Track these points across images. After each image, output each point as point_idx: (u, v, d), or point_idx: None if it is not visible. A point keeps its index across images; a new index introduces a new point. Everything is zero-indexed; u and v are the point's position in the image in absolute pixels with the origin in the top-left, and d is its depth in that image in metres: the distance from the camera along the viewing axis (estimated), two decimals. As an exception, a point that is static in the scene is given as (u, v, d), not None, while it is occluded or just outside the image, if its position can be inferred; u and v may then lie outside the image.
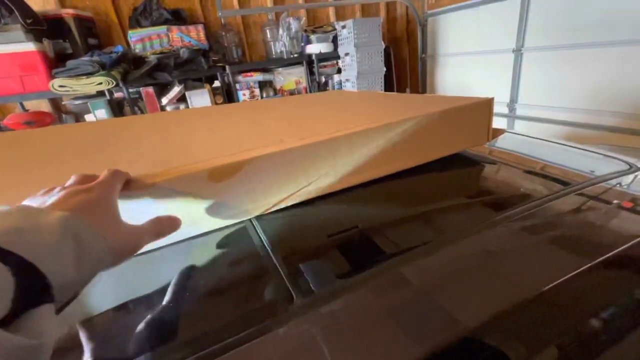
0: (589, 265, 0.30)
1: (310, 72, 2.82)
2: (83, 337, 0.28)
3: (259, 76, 2.64)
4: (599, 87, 1.83)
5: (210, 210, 0.40)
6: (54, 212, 0.21)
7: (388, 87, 2.93)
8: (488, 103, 0.58)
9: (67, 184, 0.27)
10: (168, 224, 0.31)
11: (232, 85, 2.54)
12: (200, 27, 2.42)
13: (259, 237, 0.41)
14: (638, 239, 0.33)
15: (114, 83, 1.99)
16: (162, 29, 2.30)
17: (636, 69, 1.65)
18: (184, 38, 2.37)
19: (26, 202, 0.25)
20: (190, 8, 2.60)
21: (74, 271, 0.20)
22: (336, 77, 2.91)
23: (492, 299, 0.28)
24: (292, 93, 2.82)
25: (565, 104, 2.01)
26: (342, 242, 0.40)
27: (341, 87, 2.86)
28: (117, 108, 2.25)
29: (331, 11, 3.08)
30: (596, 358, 0.24)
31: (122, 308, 0.34)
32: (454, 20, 2.68)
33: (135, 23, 2.35)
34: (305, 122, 0.59)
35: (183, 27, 2.36)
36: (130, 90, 2.21)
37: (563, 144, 0.72)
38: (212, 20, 2.67)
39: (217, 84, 2.51)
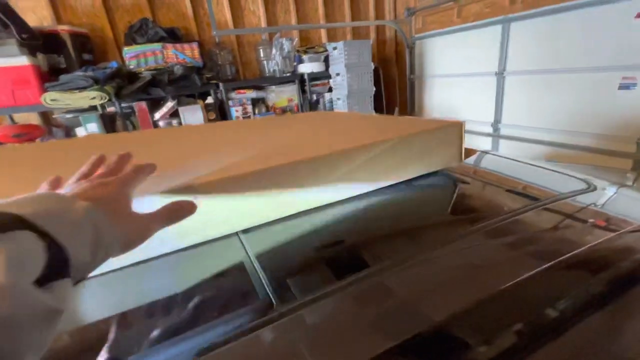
0: (538, 269, 0.34)
1: (302, 91, 2.89)
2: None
3: (252, 93, 2.70)
4: (573, 109, 1.93)
5: (199, 224, 0.42)
6: (79, 202, 0.25)
7: (378, 105, 3.01)
8: (459, 126, 0.62)
9: (97, 173, 0.32)
10: (184, 208, 0.33)
11: (225, 102, 2.59)
12: (194, 45, 2.48)
13: (244, 249, 0.43)
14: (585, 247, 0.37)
15: (107, 98, 2.01)
16: (157, 46, 2.35)
17: (607, 94, 1.75)
18: (179, 55, 2.42)
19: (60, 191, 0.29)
20: (186, 27, 2.67)
21: (89, 254, 0.24)
22: (327, 96, 2.98)
23: (455, 298, 0.31)
24: (284, 110, 2.87)
25: (544, 125, 2.11)
26: (322, 254, 0.43)
27: (332, 105, 2.93)
28: (109, 122, 2.26)
29: (323, 33, 3.19)
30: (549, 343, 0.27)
31: (115, 316, 0.35)
32: (440, 43, 2.81)
33: (131, 40, 2.39)
34: (291, 143, 0.63)
35: (178, 45, 2.42)
36: (123, 105, 2.23)
37: (537, 165, 0.76)
38: (207, 38, 2.74)
39: (210, 100, 2.55)
